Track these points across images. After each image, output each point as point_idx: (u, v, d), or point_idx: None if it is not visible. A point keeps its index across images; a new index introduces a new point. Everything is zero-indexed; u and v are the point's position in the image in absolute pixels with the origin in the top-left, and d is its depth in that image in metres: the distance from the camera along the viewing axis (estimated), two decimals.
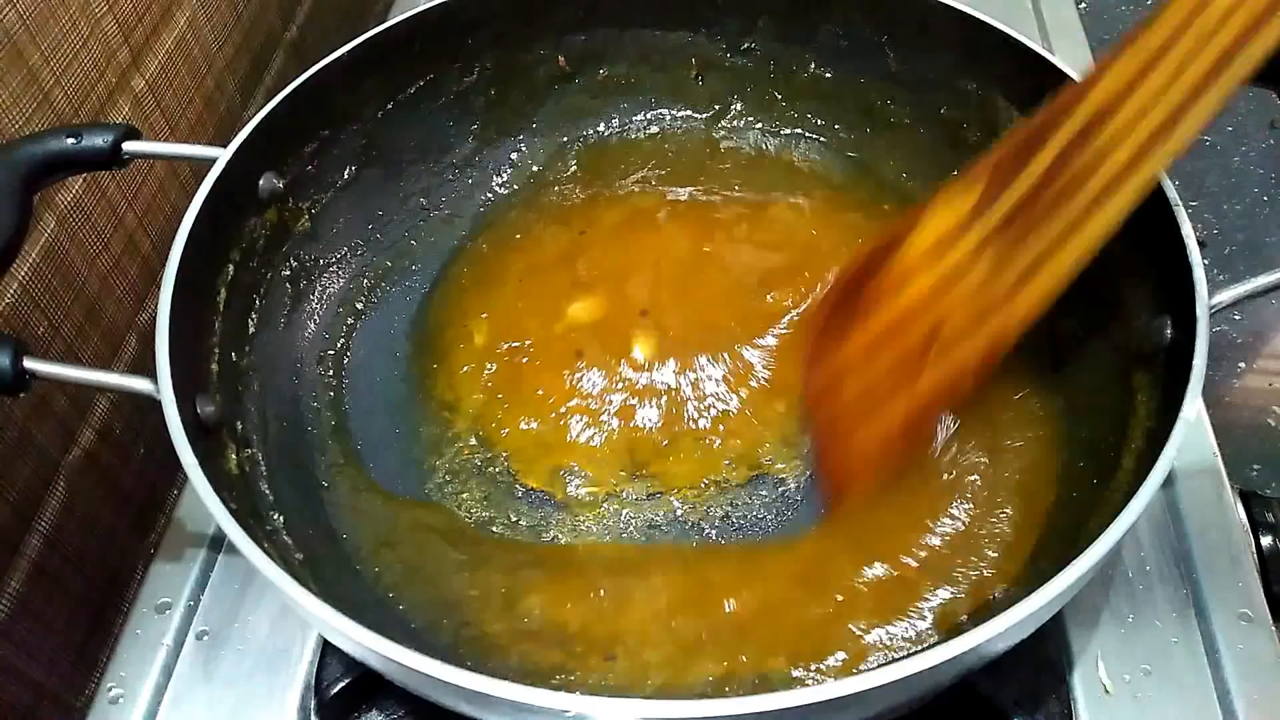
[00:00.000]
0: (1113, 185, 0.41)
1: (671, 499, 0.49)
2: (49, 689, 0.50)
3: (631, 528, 0.49)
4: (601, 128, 0.66)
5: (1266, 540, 0.47)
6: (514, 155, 0.65)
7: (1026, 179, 0.43)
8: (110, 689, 0.46)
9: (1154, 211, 0.45)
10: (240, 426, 0.48)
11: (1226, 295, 0.43)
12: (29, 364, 0.41)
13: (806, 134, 0.65)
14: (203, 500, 0.38)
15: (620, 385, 0.53)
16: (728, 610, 0.45)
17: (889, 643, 0.43)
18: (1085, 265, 0.42)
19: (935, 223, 0.46)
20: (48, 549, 0.50)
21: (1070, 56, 0.73)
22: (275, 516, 0.46)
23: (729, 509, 0.49)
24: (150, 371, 0.41)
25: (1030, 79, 0.53)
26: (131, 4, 0.55)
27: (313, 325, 0.56)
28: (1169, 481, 0.50)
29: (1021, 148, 0.44)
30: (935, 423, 0.48)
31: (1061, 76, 0.51)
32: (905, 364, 0.46)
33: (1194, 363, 0.40)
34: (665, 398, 0.52)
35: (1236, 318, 0.70)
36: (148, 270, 0.58)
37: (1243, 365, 0.67)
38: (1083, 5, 0.84)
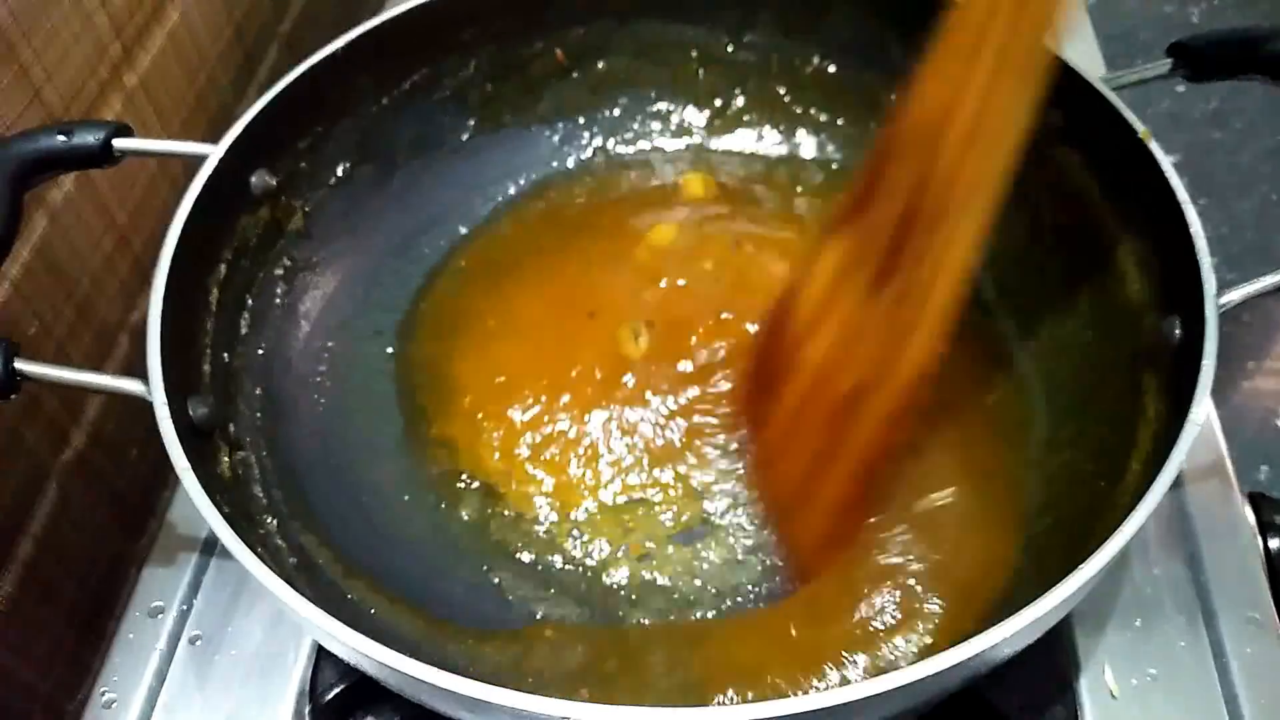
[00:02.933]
0: (964, 199, 0.40)
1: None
2: (41, 693, 0.50)
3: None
4: (600, 122, 0.65)
5: (1275, 543, 0.47)
6: (512, 150, 0.64)
7: (886, 219, 0.42)
8: (103, 693, 0.45)
9: (1163, 210, 0.45)
10: (233, 429, 0.47)
11: (1236, 294, 0.42)
12: (20, 365, 0.40)
13: (809, 128, 0.64)
14: (195, 503, 0.38)
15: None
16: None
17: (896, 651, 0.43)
18: (963, 285, 0.41)
19: (821, 275, 0.45)
20: (39, 552, 0.49)
21: (1079, 52, 0.72)
22: (269, 520, 0.45)
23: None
24: (142, 372, 0.41)
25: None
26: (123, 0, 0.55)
27: (306, 325, 0.56)
28: (1177, 483, 0.49)
29: (869, 183, 0.43)
30: (878, 471, 0.46)
31: (1068, 71, 0.50)
32: (833, 427, 0.45)
33: (1203, 363, 0.39)
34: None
35: (1245, 319, 0.69)
36: (139, 269, 0.58)
37: (1252, 365, 0.67)
38: (1091, 1, 0.83)
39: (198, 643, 0.46)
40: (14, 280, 0.47)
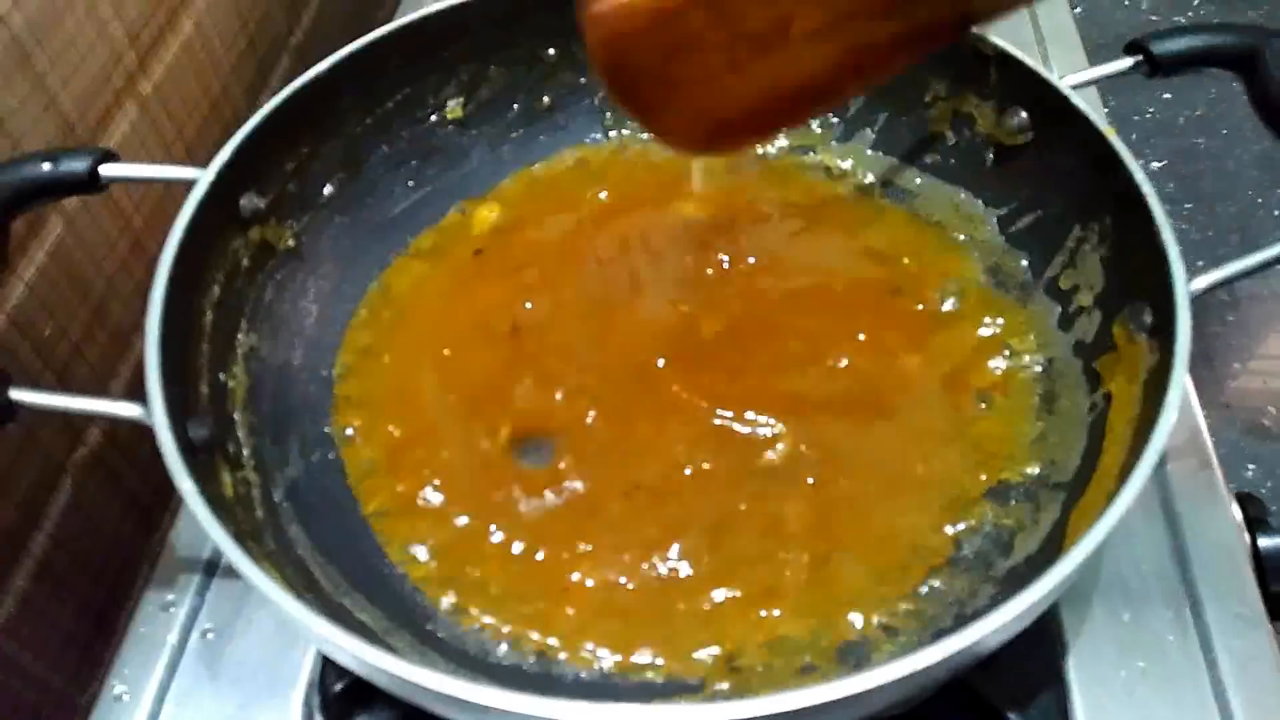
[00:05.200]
0: None
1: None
2: (54, 687, 0.51)
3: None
4: (601, 135, 0.66)
5: (1263, 541, 0.47)
6: (507, 162, 0.64)
7: None
8: (115, 687, 0.46)
9: (1127, 203, 0.45)
10: (233, 448, 0.47)
11: (1204, 280, 0.42)
12: (15, 395, 0.41)
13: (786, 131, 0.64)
14: (201, 524, 0.38)
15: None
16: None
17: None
18: None
19: None
20: (53, 547, 0.50)
21: (1066, 61, 0.73)
22: (269, 537, 0.45)
23: None
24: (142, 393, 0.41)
25: (1007, 79, 0.53)
26: (138, 9, 0.55)
27: (300, 344, 0.54)
28: (1165, 481, 0.50)
29: None
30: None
31: (1028, 72, 0.51)
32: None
33: (1175, 348, 0.40)
34: None
35: (1231, 319, 0.70)
36: (152, 271, 0.58)
37: (1238, 366, 0.67)
38: (1078, 10, 0.84)
39: (209, 636, 0.47)
40: (29, 282, 0.48)
